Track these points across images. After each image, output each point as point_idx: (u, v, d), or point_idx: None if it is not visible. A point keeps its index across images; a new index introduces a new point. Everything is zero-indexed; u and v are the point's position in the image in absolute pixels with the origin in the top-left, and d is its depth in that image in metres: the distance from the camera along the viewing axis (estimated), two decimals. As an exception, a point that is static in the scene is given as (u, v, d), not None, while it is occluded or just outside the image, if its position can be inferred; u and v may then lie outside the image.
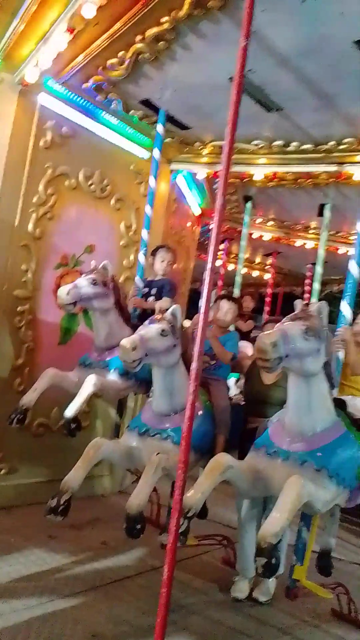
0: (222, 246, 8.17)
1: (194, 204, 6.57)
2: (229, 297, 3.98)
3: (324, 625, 3.32)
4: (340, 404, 2.90)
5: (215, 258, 1.98)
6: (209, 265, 1.98)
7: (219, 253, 7.70)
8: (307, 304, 2.70)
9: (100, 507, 4.57)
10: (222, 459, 2.57)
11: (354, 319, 3.46)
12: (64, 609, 2.90)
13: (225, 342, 3.67)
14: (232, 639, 2.96)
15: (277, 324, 2.52)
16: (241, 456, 3.03)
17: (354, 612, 3.39)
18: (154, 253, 4.32)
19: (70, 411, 3.40)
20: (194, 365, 2.10)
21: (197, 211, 6.78)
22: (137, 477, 3.93)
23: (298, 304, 2.69)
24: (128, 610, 3.03)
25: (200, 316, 2.14)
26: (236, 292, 6.25)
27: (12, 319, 4.12)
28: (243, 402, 3.81)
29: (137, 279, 4.33)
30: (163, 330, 2.95)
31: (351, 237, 6.85)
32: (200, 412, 3.21)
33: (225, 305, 3.80)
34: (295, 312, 2.62)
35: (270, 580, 3.38)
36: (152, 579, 3.43)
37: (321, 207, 5.66)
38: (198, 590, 3.47)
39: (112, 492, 5.00)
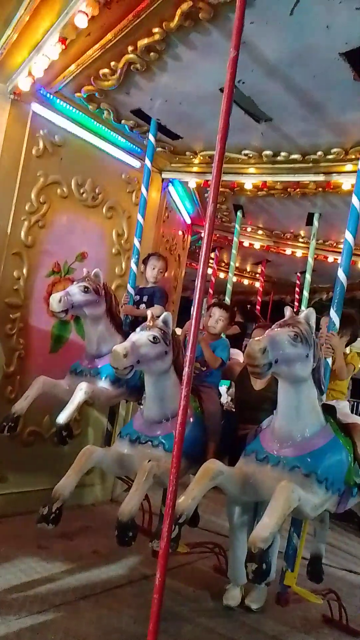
0: (212, 254, 8.22)
1: (185, 212, 6.62)
2: (220, 304, 3.99)
3: (315, 632, 3.33)
4: (328, 410, 2.93)
5: (206, 265, 2.01)
6: (200, 272, 2.00)
7: (209, 261, 7.73)
8: (296, 312, 2.74)
9: (91, 516, 4.54)
10: (213, 465, 2.59)
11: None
12: (54, 618, 2.88)
13: (215, 348, 3.69)
14: (224, 647, 2.96)
15: (267, 330, 2.55)
16: (232, 463, 3.04)
17: (345, 618, 3.40)
18: (145, 261, 4.35)
19: (62, 418, 3.39)
20: (185, 370, 2.11)
21: (187, 220, 6.82)
22: (128, 486, 3.93)
23: (287, 311, 2.72)
24: (119, 619, 3.01)
25: (192, 322, 2.16)
26: (227, 301, 6.28)
27: (3, 327, 4.12)
28: (234, 409, 3.83)
29: (129, 286, 4.34)
30: (154, 337, 2.96)
31: (339, 246, 6.92)
32: (191, 419, 3.22)
33: (216, 312, 3.81)
34: (284, 319, 2.65)
35: (262, 587, 3.38)
36: (143, 587, 3.42)
37: (310, 216, 5.72)
38: (189, 598, 3.46)
39: (103, 501, 4.98)
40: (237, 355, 4.76)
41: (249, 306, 7.35)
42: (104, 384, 3.65)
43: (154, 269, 4.28)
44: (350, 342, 3.71)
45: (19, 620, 2.79)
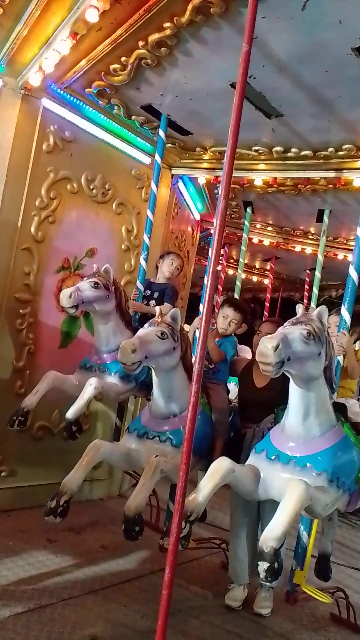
0: (222, 251, 8.20)
1: (194, 209, 6.60)
2: (234, 304, 3.76)
3: (323, 630, 3.32)
4: (339, 408, 2.91)
5: (217, 262, 1.99)
6: (210, 269, 2.00)
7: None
8: (306, 309, 2.72)
9: (99, 510, 4.56)
10: (224, 463, 2.57)
11: None
12: (62, 612, 2.90)
13: (222, 343, 3.68)
14: (231, 643, 2.97)
15: (279, 328, 2.53)
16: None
17: (353, 616, 3.39)
18: (163, 256, 4.36)
19: (71, 413, 3.40)
20: (196, 367, 2.11)
21: (196, 216, 6.81)
22: (136, 481, 3.94)
23: (299, 308, 2.70)
24: (127, 613, 3.03)
25: (202, 320, 2.16)
26: (236, 297, 6.26)
27: (13, 322, 4.13)
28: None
29: (138, 282, 4.34)
30: (163, 333, 2.96)
31: (350, 243, 6.89)
32: (199, 416, 3.21)
33: (229, 314, 3.67)
34: (297, 316, 2.63)
35: (268, 591, 3.37)
36: (150, 582, 3.44)
37: (320, 213, 5.69)
38: (196, 594, 3.47)
39: (111, 496, 5.00)
40: (245, 352, 4.76)
41: (252, 305, 7.34)
42: (113, 379, 3.66)
43: (172, 264, 4.29)
44: (358, 339, 3.70)
45: (27, 612, 2.81)
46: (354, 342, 3.66)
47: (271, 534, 2.27)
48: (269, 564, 2.20)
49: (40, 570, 3.30)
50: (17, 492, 4.18)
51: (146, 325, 3.04)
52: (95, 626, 2.82)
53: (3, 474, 4.13)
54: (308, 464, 2.60)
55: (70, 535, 3.86)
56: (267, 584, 2.32)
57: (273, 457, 2.69)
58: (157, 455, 2.82)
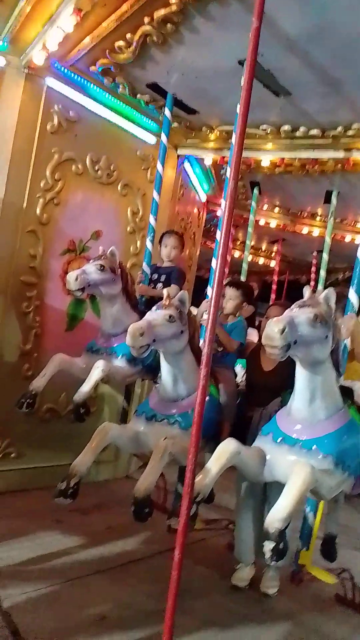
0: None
1: (200, 190, 6.53)
2: (233, 283, 3.84)
3: (327, 610, 3.35)
4: (346, 392, 2.90)
5: (226, 247, 1.95)
6: (220, 252, 1.97)
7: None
8: (313, 292, 2.69)
9: (106, 492, 4.60)
10: (230, 445, 2.58)
11: None
12: (70, 591, 2.94)
13: (232, 330, 3.65)
14: (237, 623, 3.00)
15: (285, 311, 2.51)
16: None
17: (357, 597, 3.42)
18: (160, 241, 4.31)
19: (79, 396, 3.41)
20: (205, 351, 2.09)
21: (203, 198, 6.74)
22: (144, 463, 3.96)
23: (306, 291, 2.68)
24: (134, 593, 3.06)
25: (211, 303, 2.14)
26: (242, 279, 6.22)
27: (19, 305, 4.13)
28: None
29: (144, 265, 4.31)
30: (170, 317, 2.94)
31: (358, 225, 6.82)
32: (206, 398, 3.21)
33: (227, 292, 3.70)
34: (304, 299, 2.61)
35: (274, 570, 3.40)
36: (157, 563, 3.47)
37: (328, 194, 5.62)
38: (203, 574, 3.50)
39: (117, 478, 5.04)
40: (251, 335, 4.73)
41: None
42: (120, 362, 3.65)
43: (166, 246, 4.22)
44: None
45: (35, 591, 2.85)
46: None
47: (277, 515, 2.28)
48: (274, 544, 2.22)
49: (48, 551, 3.34)
50: (24, 474, 4.22)
51: (154, 308, 3.03)
52: (102, 606, 2.86)
53: (11, 455, 4.17)
54: (314, 447, 2.60)
55: (77, 517, 3.90)
56: (272, 563, 2.35)
57: (279, 440, 2.70)
58: (165, 438, 2.82)
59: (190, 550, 3.63)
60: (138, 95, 4.41)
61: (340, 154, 4.51)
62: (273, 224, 7.30)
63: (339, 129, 4.27)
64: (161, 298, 3.12)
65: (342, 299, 3.15)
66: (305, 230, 7.25)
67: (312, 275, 8.83)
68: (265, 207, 7.03)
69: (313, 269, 8.82)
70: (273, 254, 9.22)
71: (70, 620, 2.66)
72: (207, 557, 3.75)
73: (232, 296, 3.69)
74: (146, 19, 3.33)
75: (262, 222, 7.25)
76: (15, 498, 4.01)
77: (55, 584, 2.98)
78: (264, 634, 2.95)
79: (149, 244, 4.33)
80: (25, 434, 4.20)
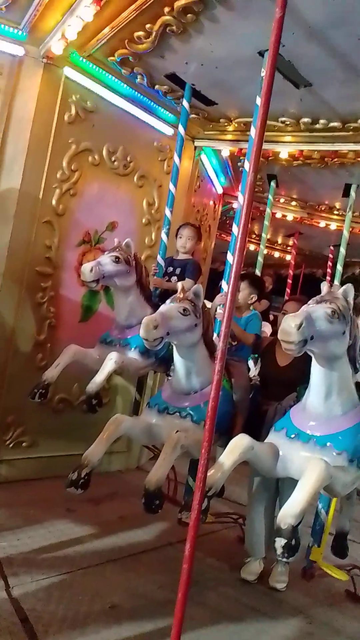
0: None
1: (216, 182, 6.48)
2: (246, 276, 3.81)
3: (338, 606, 3.35)
4: (362, 388, 2.87)
5: (244, 240, 1.93)
6: (237, 245, 1.94)
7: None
8: (331, 286, 2.66)
9: (118, 482, 4.64)
10: (243, 440, 2.57)
11: None
12: (82, 580, 2.97)
13: (247, 323, 3.64)
14: (247, 616, 3.01)
15: (303, 306, 2.49)
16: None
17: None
18: (177, 232, 4.29)
19: (92, 387, 3.42)
20: (220, 345, 2.08)
21: (219, 190, 6.69)
22: (154, 454, 3.97)
23: (324, 286, 2.65)
24: (145, 583, 3.09)
25: (227, 297, 2.12)
26: (257, 273, 6.18)
27: (34, 295, 4.15)
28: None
29: (159, 257, 4.30)
30: (185, 310, 2.93)
31: (377, 219, 6.72)
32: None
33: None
34: (321, 294, 2.58)
35: (284, 565, 3.40)
36: (168, 553, 3.49)
37: (347, 187, 5.54)
38: (213, 567, 3.51)
39: (129, 469, 5.07)
40: (265, 328, 4.71)
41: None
42: (133, 354, 3.66)
43: (181, 237, 4.21)
44: None
45: (46, 579, 2.88)
46: None
47: (289, 511, 2.27)
48: (286, 541, 2.21)
49: (61, 539, 3.38)
50: (37, 463, 4.26)
51: (168, 301, 3.02)
52: (114, 595, 2.89)
53: (24, 444, 4.21)
54: (328, 443, 2.58)
55: (89, 506, 3.93)
56: (284, 559, 2.34)
57: (293, 436, 2.68)
58: (177, 431, 2.83)
59: (200, 542, 3.62)
60: (156, 86, 4.37)
61: (361, 146, 4.44)
62: (290, 217, 7.23)
63: (360, 120, 4.19)
64: (175, 291, 3.11)
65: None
66: (322, 223, 7.16)
67: (328, 270, 8.73)
68: (282, 199, 6.95)
69: (329, 263, 8.73)
70: (289, 247, 9.13)
71: (80, 609, 2.69)
72: (217, 549, 3.76)
73: (243, 290, 3.68)
74: (166, 9, 3.29)
75: (278, 215, 7.18)
76: (28, 487, 4.05)
77: (67, 572, 3.01)
78: (273, 627, 2.96)
79: (164, 236, 4.31)
80: (39, 423, 4.24)
